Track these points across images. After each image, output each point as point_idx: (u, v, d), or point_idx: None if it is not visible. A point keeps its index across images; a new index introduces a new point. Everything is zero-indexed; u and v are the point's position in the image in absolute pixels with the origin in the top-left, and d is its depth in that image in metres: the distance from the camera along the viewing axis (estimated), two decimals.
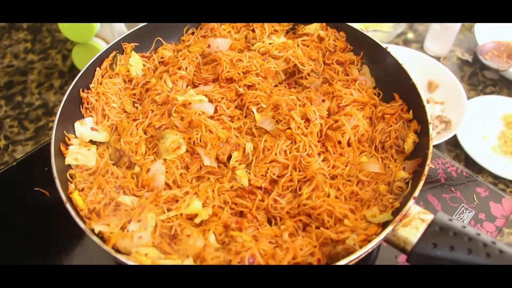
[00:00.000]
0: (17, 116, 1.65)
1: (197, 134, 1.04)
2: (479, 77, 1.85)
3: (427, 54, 1.85)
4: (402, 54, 1.14)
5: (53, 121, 1.03)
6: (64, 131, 1.05)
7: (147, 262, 0.83)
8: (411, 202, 0.87)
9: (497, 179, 1.49)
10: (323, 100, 1.15)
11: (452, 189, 1.21)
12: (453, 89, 1.67)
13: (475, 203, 1.18)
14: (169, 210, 0.94)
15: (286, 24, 1.33)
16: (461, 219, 1.16)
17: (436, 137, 1.54)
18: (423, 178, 0.91)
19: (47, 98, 1.71)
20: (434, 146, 1.38)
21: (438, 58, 1.86)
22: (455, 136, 1.56)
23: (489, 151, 1.56)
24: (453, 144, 1.59)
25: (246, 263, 0.83)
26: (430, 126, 1.00)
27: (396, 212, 0.91)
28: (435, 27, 1.83)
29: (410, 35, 2.01)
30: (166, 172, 1.00)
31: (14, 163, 1.26)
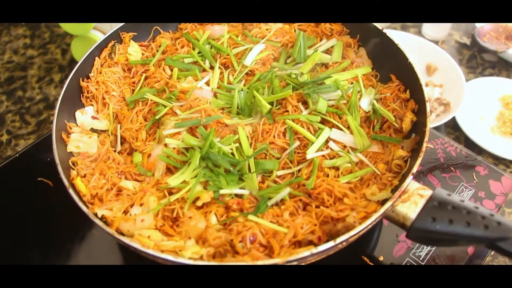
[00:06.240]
0: (19, 110, 1.67)
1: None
2: (477, 59, 1.85)
3: (425, 38, 1.85)
4: (400, 39, 1.14)
5: (54, 115, 1.04)
6: (65, 120, 1.06)
7: (150, 244, 0.84)
8: (409, 178, 0.88)
9: (497, 160, 1.50)
10: None
11: (452, 168, 1.21)
12: (451, 72, 1.67)
13: (474, 181, 1.19)
14: (170, 194, 0.95)
15: None
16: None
17: (436, 119, 1.54)
18: (421, 155, 0.91)
19: (48, 92, 1.72)
20: (434, 129, 1.38)
21: (436, 42, 1.86)
22: (454, 119, 1.57)
23: (488, 132, 1.56)
24: (452, 127, 1.59)
25: (248, 242, 0.84)
26: (427, 105, 1.00)
27: (395, 190, 0.91)
28: None
29: None
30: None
31: (17, 155, 1.27)
